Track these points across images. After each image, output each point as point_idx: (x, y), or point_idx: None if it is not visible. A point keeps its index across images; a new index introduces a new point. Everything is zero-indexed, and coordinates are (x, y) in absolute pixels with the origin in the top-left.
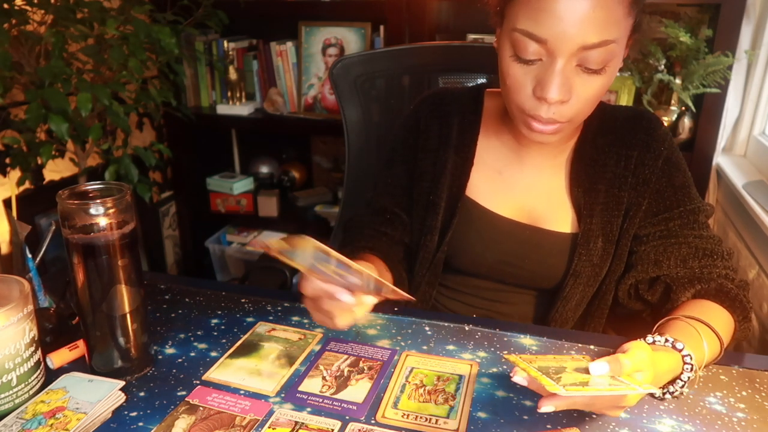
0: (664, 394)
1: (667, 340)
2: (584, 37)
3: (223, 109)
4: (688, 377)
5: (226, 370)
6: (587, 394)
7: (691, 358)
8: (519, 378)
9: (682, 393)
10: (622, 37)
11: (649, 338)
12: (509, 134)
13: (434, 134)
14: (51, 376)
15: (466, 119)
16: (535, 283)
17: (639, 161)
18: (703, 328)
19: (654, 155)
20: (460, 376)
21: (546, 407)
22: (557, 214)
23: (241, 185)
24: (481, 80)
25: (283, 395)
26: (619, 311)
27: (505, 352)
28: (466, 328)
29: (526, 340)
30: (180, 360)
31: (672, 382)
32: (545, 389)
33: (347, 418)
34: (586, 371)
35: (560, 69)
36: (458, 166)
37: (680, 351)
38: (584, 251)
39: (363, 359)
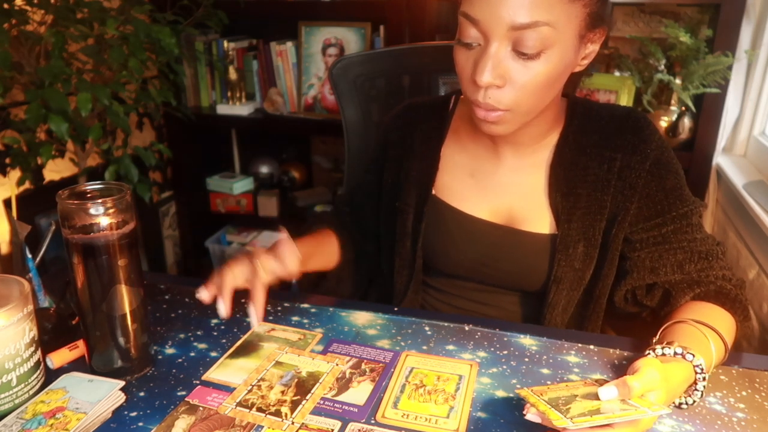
0: (680, 405)
1: (676, 353)
2: (513, 17)
3: (223, 109)
4: (704, 386)
5: (226, 370)
6: (595, 423)
7: (702, 369)
8: (531, 416)
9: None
10: (561, 23)
11: (659, 350)
12: (484, 135)
13: (398, 145)
14: (51, 376)
15: (430, 126)
16: (517, 285)
17: (624, 164)
18: (710, 333)
19: (641, 158)
20: (460, 376)
21: None
22: (535, 216)
23: (241, 185)
24: None
25: None
26: (618, 312)
27: (517, 387)
28: (466, 328)
29: (526, 340)
30: (180, 360)
31: (688, 393)
32: (553, 423)
33: (348, 420)
34: (597, 397)
35: (493, 52)
36: (423, 172)
37: (691, 362)
38: (563, 256)
39: (365, 361)
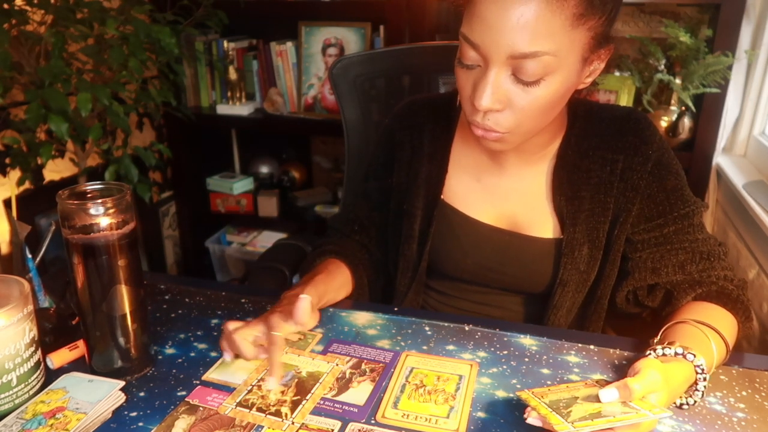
0: (680, 405)
1: (677, 353)
2: (513, 47)
3: (223, 109)
4: (704, 386)
5: (226, 370)
6: (596, 428)
7: (703, 370)
8: (533, 419)
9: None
10: (563, 50)
11: (659, 350)
12: None
13: (407, 146)
14: (51, 376)
15: (439, 126)
16: (522, 288)
17: (626, 165)
18: (711, 333)
19: (642, 159)
20: (460, 376)
21: None
22: (539, 221)
23: (241, 185)
24: None
25: None
26: (619, 312)
27: (518, 387)
28: (466, 328)
29: (526, 340)
30: (180, 360)
31: (689, 393)
32: (554, 428)
33: (348, 419)
34: (598, 399)
35: (492, 77)
36: (432, 174)
37: (692, 362)
38: (569, 260)
39: (365, 361)
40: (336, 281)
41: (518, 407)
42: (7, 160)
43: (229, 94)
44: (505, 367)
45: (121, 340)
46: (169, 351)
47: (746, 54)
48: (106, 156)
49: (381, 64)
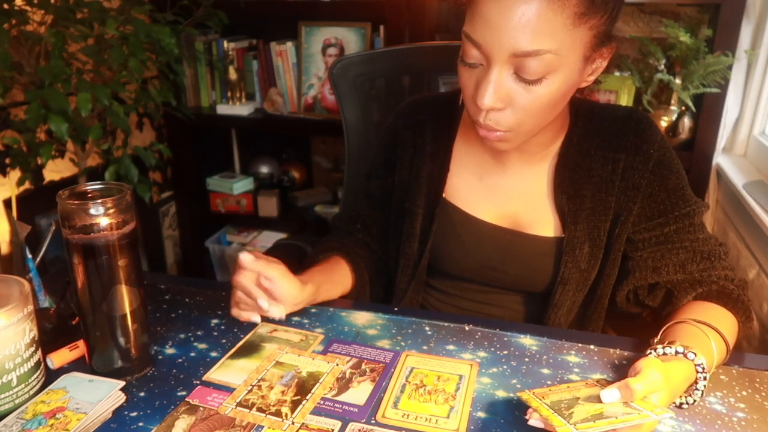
0: (680, 405)
1: (677, 352)
2: (515, 45)
3: (223, 109)
4: (704, 386)
5: (227, 371)
6: (598, 429)
7: (703, 368)
8: (534, 421)
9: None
10: (564, 49)
11: (659, 349)
12: None
13: (409, 145)
14: (51, 376)
15: (441, 125)
16: (523, 287)
17: (628, 165)
18: (711, 332)
19: (644, 158)
20: (460, 376)
21: None
22: (541, 219)
23: (241, 185)
24: None
25: None
26: (619, 311)
27: (518, 387)
28: (466, 328)
29: (526, 340)
30: (180, 360)
31: (689, 392)
32: (557, 430)
33: (348, 419)
34: (599, 400)
35: (494, 76)
36: (434, 172)
37: (692, 361)
38: (570, 258)
39: (365, 361)
40: (335, 275)
41: (518, 407)
42: (7, 160)
43: (229, 94)
44: (505, 367)
45: (121, 340)
46: (169, 351)
47: (746, 54)
48: (106, 156)
49: (381, 64)
